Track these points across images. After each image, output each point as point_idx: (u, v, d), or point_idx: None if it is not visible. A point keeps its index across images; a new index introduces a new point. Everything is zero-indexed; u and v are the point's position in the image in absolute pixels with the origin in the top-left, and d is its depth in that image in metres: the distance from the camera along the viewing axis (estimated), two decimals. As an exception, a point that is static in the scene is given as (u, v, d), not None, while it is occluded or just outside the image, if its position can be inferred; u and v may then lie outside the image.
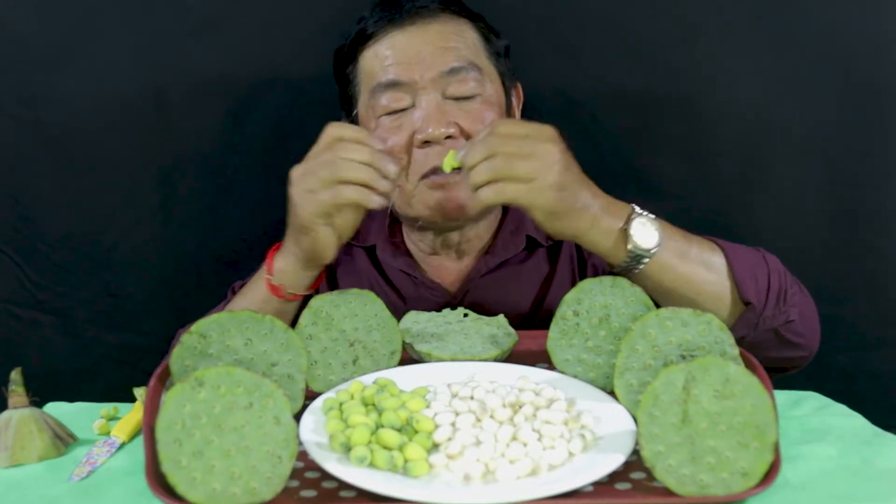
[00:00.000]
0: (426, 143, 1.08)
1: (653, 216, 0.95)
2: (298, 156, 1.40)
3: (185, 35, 1.37)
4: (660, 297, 0.96)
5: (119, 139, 1.39)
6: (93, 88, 1.37)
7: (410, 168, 1.10)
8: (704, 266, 0.96)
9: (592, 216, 0.92)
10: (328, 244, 0.96)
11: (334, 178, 0.92)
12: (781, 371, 1.05)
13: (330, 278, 1.22)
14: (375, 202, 0.93)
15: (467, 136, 1.09)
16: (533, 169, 0.88)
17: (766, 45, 1.36)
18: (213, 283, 1.44)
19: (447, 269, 1.21)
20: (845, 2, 1.35)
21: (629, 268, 0.94)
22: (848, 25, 1.36)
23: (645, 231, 0.93)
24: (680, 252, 0.95)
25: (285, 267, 1.01)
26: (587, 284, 0.90)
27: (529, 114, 1.20)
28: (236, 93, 1.39)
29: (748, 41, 1.37)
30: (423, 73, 1.09)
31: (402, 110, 1.10)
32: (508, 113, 1.17)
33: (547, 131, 0.90)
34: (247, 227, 1.43)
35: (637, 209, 0.94)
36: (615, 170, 1.41)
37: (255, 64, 1.38)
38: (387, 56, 1.10)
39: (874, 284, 1.42)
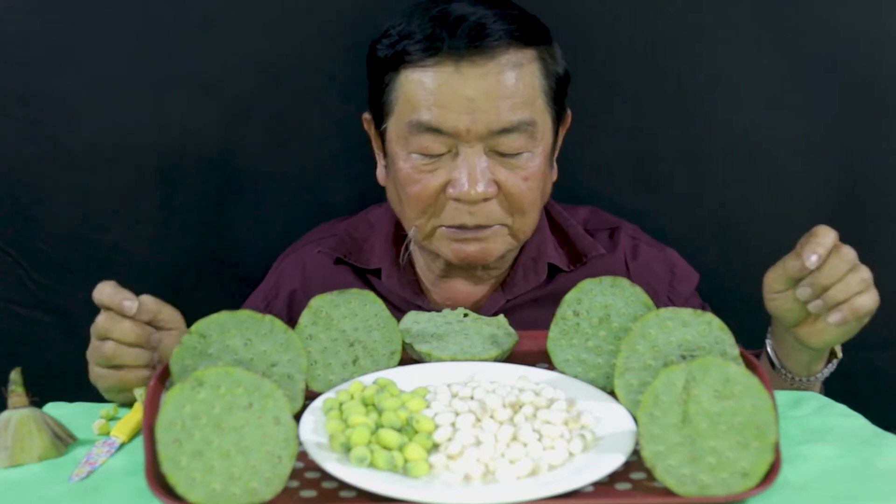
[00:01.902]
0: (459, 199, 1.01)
1: None
2: (298, 156, 1.41)
3: (185, 35, 1.37)
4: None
5: (119, 139, 1.39)
6: (93, 88, 1.37)
7: (436, 214, 1.04)
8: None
9: None
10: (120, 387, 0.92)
11: (110, 364, 0.90)
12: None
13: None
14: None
15: (507, 195, 1.03)
16: (865, 278, 0.93)
17: (766, 45, 1.36)
18: (213, 283, 1.44)
19: (459, 292, 1.15)
20: (846, 1, 1.35)
21: (813, 375, 1.02)
22: (849, 24, 1.35)
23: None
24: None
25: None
26: (587, 284, 0.90)
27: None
28: (236, 93, 1.39)
29: (749, 41, 1.36)
30: (471, 125, 0.98)
31: (439, 155, 1.01)
32: (551, 151, 1.08)
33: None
34: (247, 227, 1.43)
35: None
36: (617, 170, 1.41)
37: (255, 64, 1.38)
38: (432, 92, 0.98)
39: (875, 284, 1.42)
